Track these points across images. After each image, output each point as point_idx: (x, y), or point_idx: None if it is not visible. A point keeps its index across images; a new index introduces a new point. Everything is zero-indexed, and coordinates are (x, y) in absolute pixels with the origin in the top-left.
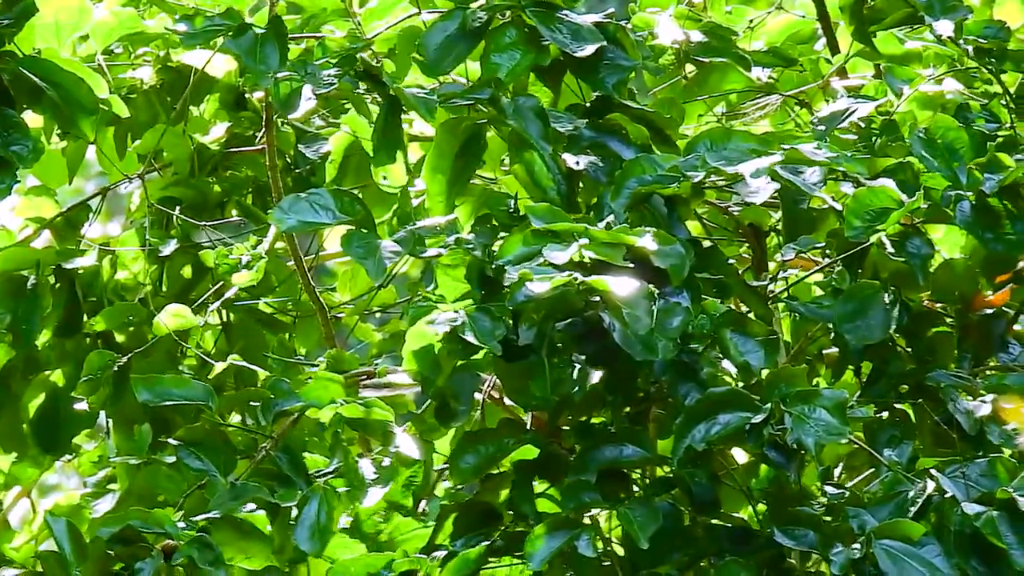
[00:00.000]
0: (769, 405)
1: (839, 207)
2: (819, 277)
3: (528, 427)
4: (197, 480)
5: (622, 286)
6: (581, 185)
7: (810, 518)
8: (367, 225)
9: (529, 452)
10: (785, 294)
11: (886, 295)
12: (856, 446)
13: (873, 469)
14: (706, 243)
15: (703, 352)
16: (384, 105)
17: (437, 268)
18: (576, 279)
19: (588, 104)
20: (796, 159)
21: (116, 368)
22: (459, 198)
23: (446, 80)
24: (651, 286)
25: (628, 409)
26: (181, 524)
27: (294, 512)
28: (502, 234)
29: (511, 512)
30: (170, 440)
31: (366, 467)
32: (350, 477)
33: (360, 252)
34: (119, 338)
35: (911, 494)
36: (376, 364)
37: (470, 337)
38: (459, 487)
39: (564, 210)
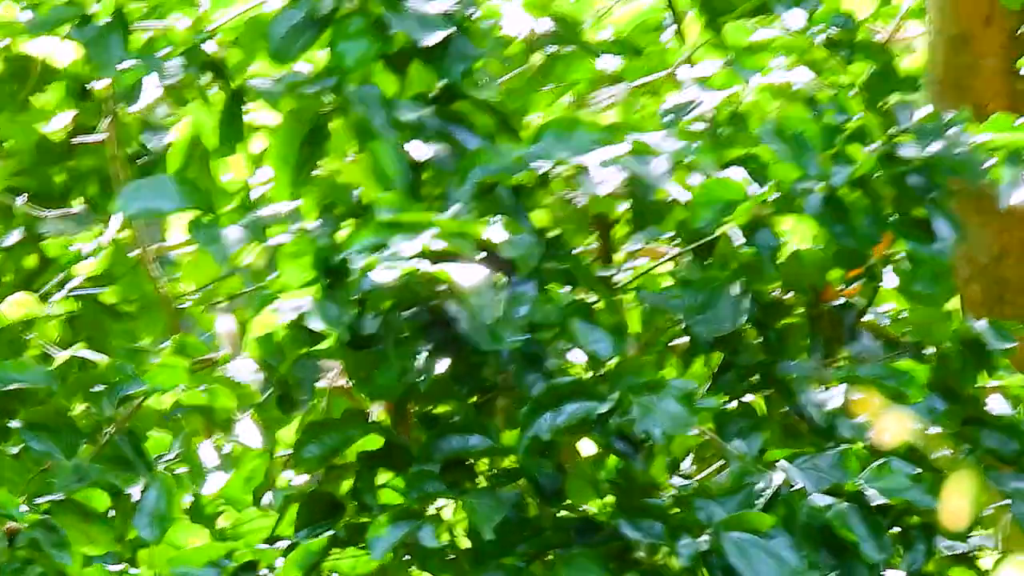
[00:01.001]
0: (616, 395)
1: (688, 197)
2: (668, 268)
3: (374, 417)
4: (40, 464)
5: (467, 275)
6: (427, 175)
7: (657, 510)
8: (211, 212)
9: (373, 442)
10: (634, 284)
11: (736, 286)
12: (706, 437)
13: (723, 461)
14: (554, 233)
15: (550, 342)
16: (227, 96)
17: (281, 257)
18: (420, 269)
19: (434, 93)
20: (642, 150)
21: None
22: (304, 187)
23: (292, 69)
24: (498, 275)
25: (475, 399)
26: (24, 507)
27: (136, 497)
28: (345, 223)
29: (355, 503)
30: (13, 424)
31: (208, 453)
32: (191, 464)
33: (206, 238)
34: None
35: (759, 486)
36: (220, 354)
37: (316, 323)
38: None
39: (409, 200)
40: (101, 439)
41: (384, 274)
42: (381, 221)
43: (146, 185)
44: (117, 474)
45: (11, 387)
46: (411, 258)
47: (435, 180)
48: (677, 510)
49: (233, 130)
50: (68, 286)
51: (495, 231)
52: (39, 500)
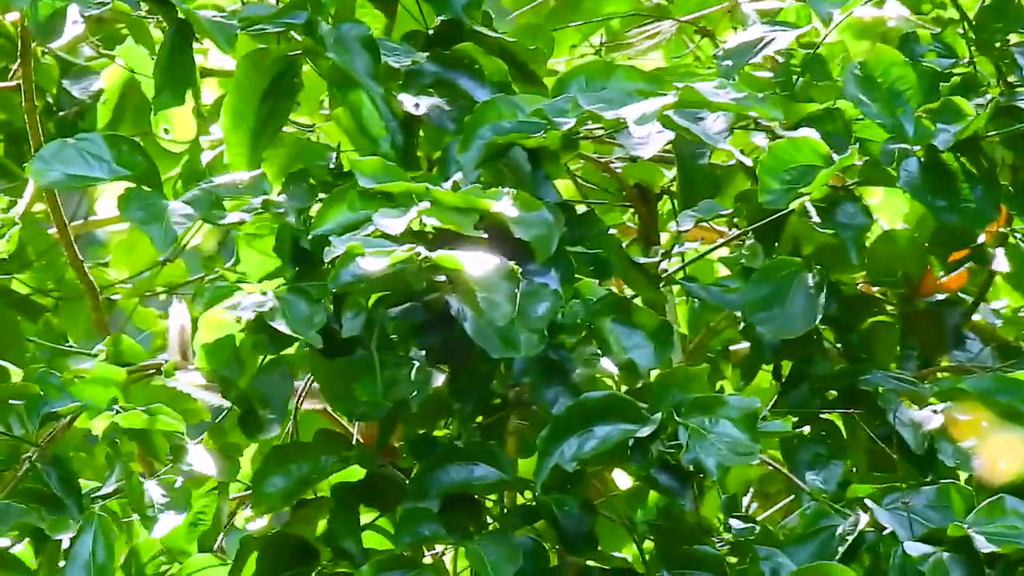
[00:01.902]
0: (659, 415)
1: (750, 164)
2: (725, 253)
3: (354, 441)
4: None
5: (477, 263)
6: (422, 134)
7: (710, 559)
8: (151, 182)
9: (353, 473)
10: (681, 274)
11: (810, 276)
12: (770, 468)
13: (792, 497)
14: (581, 208)
15: (576, 347)
16: (170, 32)
17: (239, 239)
18: (419, 254)
19: (431, 32)
20: (693, 101)
21: None
22: (267, 150)
23: (251, 0)
24: (512, 263)
25: (481, 419)
26: None
27: (65, 542)
28: (321, 195)
29: (330, 548)
30: None
31: (153, 489)
32: (134, 501)
33: (142, 216)
34: None
35: (839, 530)
36: (162, 360)
37: (281, 326)
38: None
39: (400, 166)
40: (19, 469)
41: (374, 261)
42: (361, 191)
43: (69, 146)
44: (41, 514)
45: None
46: (400, 239)
47: (432, 141)
48: (735, 560)
49: (177, 76)
50: None
51: (506, 205)
52: None
